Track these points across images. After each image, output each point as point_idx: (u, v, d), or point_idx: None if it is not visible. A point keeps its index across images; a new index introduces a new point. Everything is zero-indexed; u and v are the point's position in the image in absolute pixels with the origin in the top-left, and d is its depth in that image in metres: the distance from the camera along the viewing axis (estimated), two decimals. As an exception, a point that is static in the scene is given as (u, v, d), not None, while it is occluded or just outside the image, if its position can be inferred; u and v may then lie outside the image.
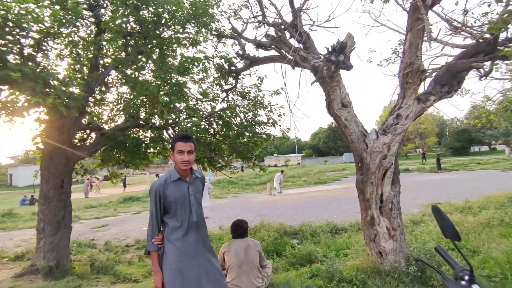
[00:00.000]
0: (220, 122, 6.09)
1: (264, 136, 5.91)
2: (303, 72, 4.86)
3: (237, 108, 5.79)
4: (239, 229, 3.67)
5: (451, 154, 50.92)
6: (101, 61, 6.01)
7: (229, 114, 6.25)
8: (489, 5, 3.51)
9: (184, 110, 4.99)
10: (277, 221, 9.80)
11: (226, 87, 5.61)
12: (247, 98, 5.85)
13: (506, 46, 3.75)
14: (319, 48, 4.25)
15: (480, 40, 3.73)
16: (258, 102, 5.81)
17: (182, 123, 5.01)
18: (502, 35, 3.60)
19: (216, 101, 6.25)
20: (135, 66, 4.08)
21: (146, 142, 5.50)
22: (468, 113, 72.78)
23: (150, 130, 5.43)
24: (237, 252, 3.46)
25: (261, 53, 4.76)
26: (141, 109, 5.75)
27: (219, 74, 5.22)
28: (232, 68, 4.93)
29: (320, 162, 55.92)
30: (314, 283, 3.57)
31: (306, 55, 4.07)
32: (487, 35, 3.63)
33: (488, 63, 3.81)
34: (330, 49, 3.35)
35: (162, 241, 2.35)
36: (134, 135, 5.45)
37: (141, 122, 5.75)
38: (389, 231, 3.53)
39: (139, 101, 5.28)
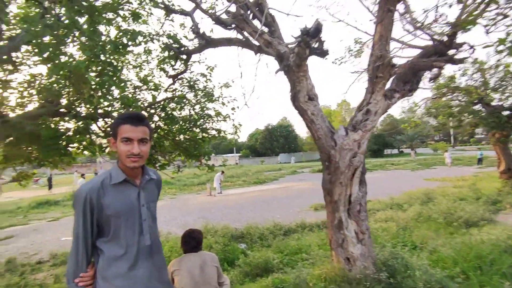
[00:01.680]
0: (162, 115, 5.26)
1: (214, 131, 5.29)
2: (260, 61, 4.44)
3: (184, 99, 5.05)
4: (192, 241, 3.02)
5: (369, 156, 57.05)
6: (5, 29, 4.65)
7: (174, 106, 5.47)
8: (450, 6, 3.61)
9: (118, 99, 4.06)
10: (220, 223, 9.23)
11: (172, 73, 4.82)
12: (196, 88, 5.15)
13: (458, 49, 3.90)
14: (284, 36, 3.85)
15: (437, 41, 3.82)
16: (208, 93, 5.17)
17: (116, 114, 4.09)
18: (458, 39, 3.73)
19: (159, 90, 5.40)
20: (55, 33, 3.07)
21: (67, 135, 4.37)
22: (382, 120, 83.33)
23: (74, 120, 4.34)
24: (191, 270, 2.82)
25: (216, 34, 4.15)
26: (62, 93, 4.59)
27: (165, 56, 4.40)
28: (183, 49, 4.19)
29: (257, 163, 56.81)
30: (279, 298, 3.16)
31: (271, 40, 3.63)
32: (445, 37, 3.72)
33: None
34: (303, 32, 2.96)
35: (92, 280, 1.52)
36: (51, 126, 4.28)
37: (61, 110, 4.58)
38: (357, 234, 3.32)
39: (60, 82, 4.15)
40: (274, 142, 64.95)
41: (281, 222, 8.75)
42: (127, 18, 4.02)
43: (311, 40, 2.99)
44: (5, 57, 4.33)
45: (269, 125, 66.05)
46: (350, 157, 3.33)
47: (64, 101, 4.66)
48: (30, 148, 5.40)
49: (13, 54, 5.52)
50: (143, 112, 4.78)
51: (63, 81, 4.12)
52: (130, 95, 4.91)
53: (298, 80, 3.57)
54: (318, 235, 6.98)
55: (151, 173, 1.73)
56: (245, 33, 3.86)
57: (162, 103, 4.92)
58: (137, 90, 5.32)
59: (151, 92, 5.32)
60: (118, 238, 1.53)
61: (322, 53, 3.03)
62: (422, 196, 11.41)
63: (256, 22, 3.79)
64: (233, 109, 5.12)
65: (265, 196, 16.01)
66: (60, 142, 4.39)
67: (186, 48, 4.15)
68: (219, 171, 20.77)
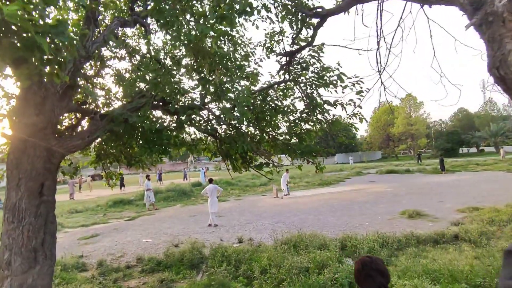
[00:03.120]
0: (268, 104, 4.40)
1: (338, 121, 4.24)
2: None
3: (298, 82, 4.12)
4: (378, 277, 1.99)
5: (441, 155, 51.10)
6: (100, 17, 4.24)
7: (279, 94, 4.58)
8: None
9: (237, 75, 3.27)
10: (306, 229, 8.22)
11: (288, 49, 3.90)
12: (311, 70, 4.18)
13: None
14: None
15: None
16: (322, 75, 4.15)
17: (241, 99, 3.28)
18: None
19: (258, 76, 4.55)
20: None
21: (169, 127, 3.76)
22: (453, 115, 74.26)
23: (176, 113, 3.69)
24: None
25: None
26: (158, 83, 4.00)
27: (292, 20, 3.49)
28: (317, 10, 3.21)
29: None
30: None
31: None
32: None
33: None
34: None
35: None
36: (153, 118, 3.72)
37: (159, 103, 3.99)
38: None
39: (155, 78, 3.53)
40: (329, 141, 62.12)
41: (380, 231, 7.36)
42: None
43: None
44: (96, 51, 3.87)
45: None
46: None
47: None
48: (123, 145, 4.99)
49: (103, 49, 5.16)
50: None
51: (155, 74, 3.48)
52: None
53: (509, 37, 2.34)
54: (451, 253, 5.48)
55: None
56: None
57: (276, 86, 4.03)
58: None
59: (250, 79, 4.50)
60: None
61: None
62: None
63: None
64: (359, 93, 4.01)
65: (339, 199, 14.59)
66: (163, 136, 3.78)
67: (321, 9, 3.15)
68: (283, 171, 19.88)
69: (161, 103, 3.98)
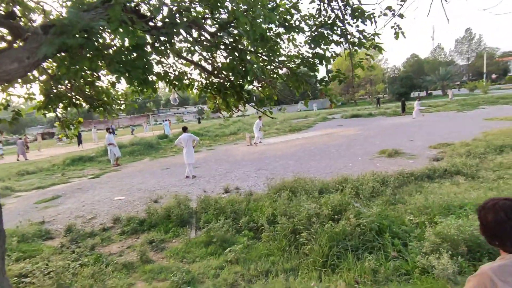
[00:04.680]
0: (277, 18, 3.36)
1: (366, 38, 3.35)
2: None
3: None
4: None
5: (396, 99, 53.81)
6: None
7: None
8: None
9: None
10: (290, 174, 7.81)
11: None
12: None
13: None
14: None
15: None
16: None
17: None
18: None
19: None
20: None
21: (151, 45, 2.59)
22: (405, 61, 77.29)
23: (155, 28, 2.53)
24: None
25: None
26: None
27: None
28: None
29: (275, 111, 54.50)
30: None
31: None
32: None
33: None
34: None
35: None
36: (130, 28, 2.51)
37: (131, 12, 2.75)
38: None
39: None
40: (292, 89, 61.64)
41: (365, 170, 7.15)
42: None
43: None
44: None
45: (288, 72, 62.27)
46: None
47: None
48: (84, 71, 3.66)
49: None
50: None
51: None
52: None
53: None
54: (449, 187, 5.39)
55: None
56: None
57: None
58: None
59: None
60: None
61: None
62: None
63: None
64: (389, 8, 3.07)
65: (314, 144, 14.47)
66: (142, 57, 2.65)
67: None
68: (255, 118, 19.13)
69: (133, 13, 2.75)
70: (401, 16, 3.14)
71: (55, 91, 4.15)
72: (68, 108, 4.76)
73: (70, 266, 3.82)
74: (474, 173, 6.35)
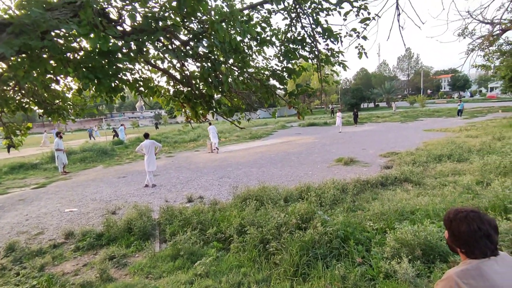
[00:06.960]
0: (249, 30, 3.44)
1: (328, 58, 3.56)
2: None
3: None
4: (495, 235, 1.58)
5: (348, 110, 57.54)
6: None
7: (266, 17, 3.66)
8: None
9: None
10: (253, 182, 7.88)
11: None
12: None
13: None
14: None
15: None
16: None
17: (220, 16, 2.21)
18: None
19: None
20: None
21: (123, 52, 2.46)
22: (356, 74, 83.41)
23: (124, 35, 2.41)
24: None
25: None
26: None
27: None
28: None
29: (233, 118, 54.70)
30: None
31: None
32: None
33: None
34: None
35: None
36: (102, 34, 2.33)
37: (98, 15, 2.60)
38: None
39: None
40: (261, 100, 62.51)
41: (325, 178, 7.54)
42: None
43: None
44: None
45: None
46: None
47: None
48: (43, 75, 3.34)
49: None
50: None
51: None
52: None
53: None
54: (400, 194, 5.89)
55: None
56: None
57: None
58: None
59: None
60: None
61: None
62: (454, 146, 10.72)
63: None
64: (364, 20, 3.34)
65: (275, 152, 14.78)
66: (112, 64, 2.51)
67: None
68: (205, 124, 18.82)
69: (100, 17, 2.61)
70: (364, 38, 3.42)
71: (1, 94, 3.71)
72: (16, 113, 4.28)
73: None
74: (420, 180, 7.02)
